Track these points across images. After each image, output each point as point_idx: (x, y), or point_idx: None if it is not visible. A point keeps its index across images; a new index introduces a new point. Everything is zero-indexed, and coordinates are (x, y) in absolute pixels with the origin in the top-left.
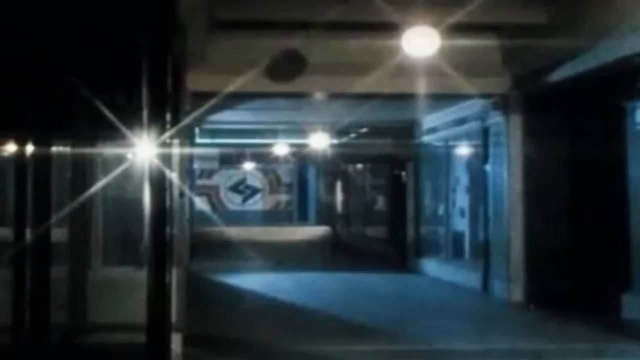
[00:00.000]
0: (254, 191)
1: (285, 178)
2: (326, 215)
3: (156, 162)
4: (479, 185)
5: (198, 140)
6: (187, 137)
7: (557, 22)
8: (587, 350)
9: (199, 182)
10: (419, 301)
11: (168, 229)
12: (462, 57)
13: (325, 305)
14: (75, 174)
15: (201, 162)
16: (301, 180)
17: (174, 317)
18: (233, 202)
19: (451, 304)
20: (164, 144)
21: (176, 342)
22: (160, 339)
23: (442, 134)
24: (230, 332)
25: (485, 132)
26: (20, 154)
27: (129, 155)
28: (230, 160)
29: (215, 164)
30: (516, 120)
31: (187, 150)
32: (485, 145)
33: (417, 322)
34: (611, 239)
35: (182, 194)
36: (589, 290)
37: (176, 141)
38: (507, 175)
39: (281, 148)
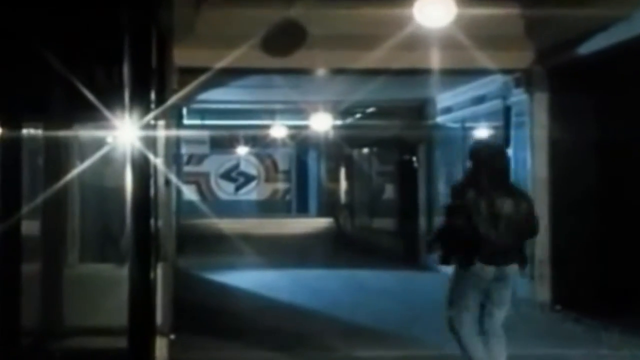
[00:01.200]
0: (248, 179)
1: (283, 164)
2: (328, 205)
3: (139, 146)
4: None
5: (186, 121)
6: (173, 118)
7: None
8: (622, 358)
9: (187, 168)
10: (432, 301)
11: (152, 221)
12: (481, 29)
13: (327, 306)
14: (48, 159)
15: (189, 146)
16: (300, 167)
17: (158, 320)
18: (225, 191)
19: None
20: (147, 126)
21: (161, 347)
22: (143, 343)
23: (457, 114)
24: (222, 336)
25: (506, 112)
26: None
27: (109, 139)
28: (221, 144)
29: (205, 149)
30: (541, 99)
31: (174, 133)
32: (506, 127)
33: (429, 324)
34: None
35: (167, 182)
36: (623, 290)
37: (161, 123)
38: (530, 160)
39: (278, 130)
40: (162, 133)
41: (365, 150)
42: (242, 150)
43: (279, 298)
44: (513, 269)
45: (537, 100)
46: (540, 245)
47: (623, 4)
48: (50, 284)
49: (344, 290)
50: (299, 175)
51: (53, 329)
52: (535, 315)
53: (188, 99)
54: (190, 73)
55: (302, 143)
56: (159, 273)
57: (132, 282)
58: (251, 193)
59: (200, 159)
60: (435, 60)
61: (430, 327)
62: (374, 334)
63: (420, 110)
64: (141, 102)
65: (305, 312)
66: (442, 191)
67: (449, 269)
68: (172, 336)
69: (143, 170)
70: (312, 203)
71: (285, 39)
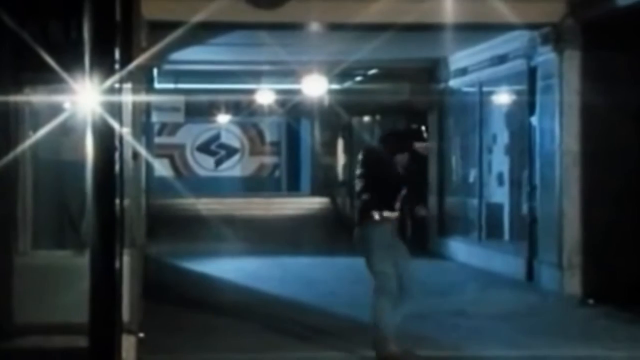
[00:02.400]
0: (230, 152)
1: (271, 135)
2: (324, 183)
3: (102, 113)
4: (522, 143)
5: (157, 85)
6: (142, 81)
7: None
8: None
9: (159, 140)
10: (443, 293)
11: (117, 201)
12: None
13: (322, 299)
14: None
15: (161, 114)
16: (291, 138)
17: (125, 316)
18: (203, 166)
19: (485, 297)
20: (111, 90)
21: (128, 348)
22: (107, 343)
23: (474, 76)
24: (199, 335)
25: (531, 74)
26: None
27: (67, 105)
28: (199, 111)
29: (179, 117)
30: (572, 59)
31: (143, 98)
32: (531, 92)
33: (441, 320)
34: None
35: (135, 156)
36: None
37: (128, 86)
38: (558, 130)
39: (266, 95)
40: (129, 98)
41: (367, 118)
42: (223, 118)
43: (267, 290)
44: None
45: (567, 60)
46: (570, 231)
47: None
48: None
49: (342, 280)
50: (290, 148)
51: (2, 327)
52: (565, 309)
53: (159, 59)
54: (161, 28)
55: (293, 110)
56: (126, 261)
57: (94, 272)
58: (234, 168)
59: (174, 128)
60: (448, 13)
61: (445, 323)
62: None
63: (430, 72)
64: (104, 62)
65: (298, 307)
66: (456, 167)
67: (462, 256)
68: (141, 335)
69: (106, 141)
70: (305, 180)
71: None
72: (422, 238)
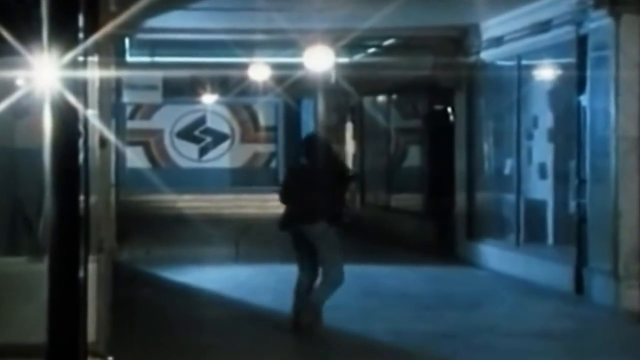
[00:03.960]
0: (218, 139)
1: (266, 118)
2: None
3: (62, 92)
4: (569, 128)
5: (130, 58)
6: (112, 53)
7: None
8: None
9: (132, 124)
10: (473, 307)
11: (82, 198)
12: None
13: (327, 314)
14: None
15: (135, 93)
16: (290, 122)
17: (90, 335)
18: (185, 155)
19: (523, 312)
20: (74, 64)
21: None
22: None
23: (511, 47)
24: (179, 357)
25: (580, 44)
26: None
27: (19, 82)
28: (180, 90)
29: (156, 97)
30: (632, 25)
31: (113, 74)
32: (580, 65)
33: (470, 339)
34: None
35: (104, 143)
36: None
37: (94, 60)
38: (614, 111)
39: (260, 71)
40: (95, 74)
41: (381, 98)
42: (208, 99)
43: (260, 304)
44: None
45: (626, 27)
46: (627, 233)
47: None
48: None
49: (350, 292)
50: (289, 134)
51: None
52: (621, 327)
53: (132, 27)
54: None
55: (292, 89)
56: (92, 270)
57: (54, 283)
58: (222, 159)
59: (150, 111)
60: None
61: (478, 344)
62: (397, 354)
63: (458, 42)
64: (64, 30)
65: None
66: (488, 156)
67: (495, 263)
68: (110, 358)
69: (68, 126)
70: None
71: None
72: (448, 242)
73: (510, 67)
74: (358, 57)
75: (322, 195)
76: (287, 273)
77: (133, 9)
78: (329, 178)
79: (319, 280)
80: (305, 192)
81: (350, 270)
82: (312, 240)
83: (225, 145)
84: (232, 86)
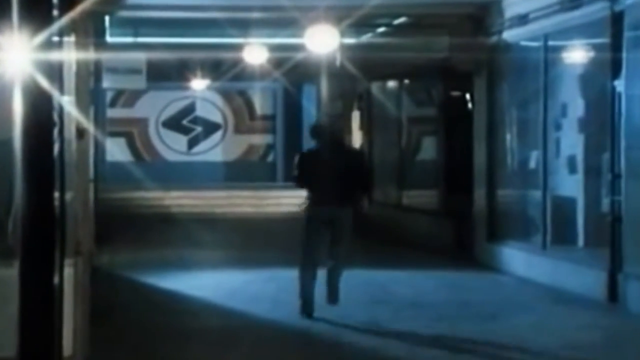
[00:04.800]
0: (209, 129)
1: (263, 106)
2: None
3: (35, 76)
4: (602, 117)
5: (110, 39)
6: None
7: None
8: None
9: (113, 112)
10: (494, 317)
11: (57, 195)
12: None
13: (331, 325)
14: None
15: (116, 77)
16: (290, 110)
17: (66, 348)
18: (172, 147)
19: (551, 322)
20: (48, 46)
21: None
22: None
23: (537, 26)
24: None
25: (615, 23)
26: None
27: None
28: (166, 74)
29: (140, 82)
30: None
31: (91, 56)
32: (615, 46)
33: (491, 353)
34: None
35: (81, 134)
36: None
37: (70, 40)
38: None
39: (256, 53)
40: (71, 56)
41: (391, 84)
42: (198, 84)
43: (256, 313)
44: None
45: None
46: None
47: None
48: None
49: (358, 301)
50: (288, 124)
51: None
52: None
53: (113, 3)
54: None
55: (292, 73)
56: (68, 275)
57: (26, 290)
58: (213, 151)
59: (133, 97)
60: None
61: None
62: None
63: (478, 20)
64: (37, 7)
65: (298, 335)
66: (511, 148)
67: (519, 268)
68: None
69: (41, 114)
70: None
71: None
72: (466, 244)
73: (536, 49)
74: (366, 38)
75: (344, 179)
76: (286, 279)
77: None
78: (346, 162)
79: (328, 265)
80: (329, 176)
81: (358, 276)
82: (340, 224)
83: (217, 136)
84: (224, 70)
